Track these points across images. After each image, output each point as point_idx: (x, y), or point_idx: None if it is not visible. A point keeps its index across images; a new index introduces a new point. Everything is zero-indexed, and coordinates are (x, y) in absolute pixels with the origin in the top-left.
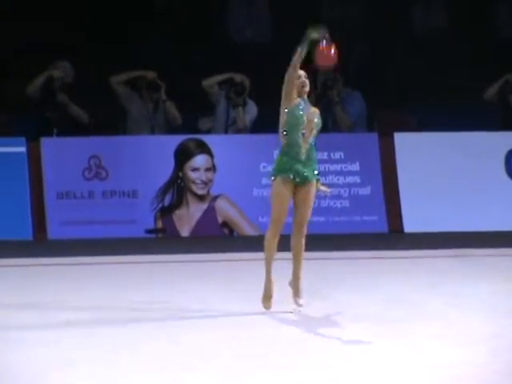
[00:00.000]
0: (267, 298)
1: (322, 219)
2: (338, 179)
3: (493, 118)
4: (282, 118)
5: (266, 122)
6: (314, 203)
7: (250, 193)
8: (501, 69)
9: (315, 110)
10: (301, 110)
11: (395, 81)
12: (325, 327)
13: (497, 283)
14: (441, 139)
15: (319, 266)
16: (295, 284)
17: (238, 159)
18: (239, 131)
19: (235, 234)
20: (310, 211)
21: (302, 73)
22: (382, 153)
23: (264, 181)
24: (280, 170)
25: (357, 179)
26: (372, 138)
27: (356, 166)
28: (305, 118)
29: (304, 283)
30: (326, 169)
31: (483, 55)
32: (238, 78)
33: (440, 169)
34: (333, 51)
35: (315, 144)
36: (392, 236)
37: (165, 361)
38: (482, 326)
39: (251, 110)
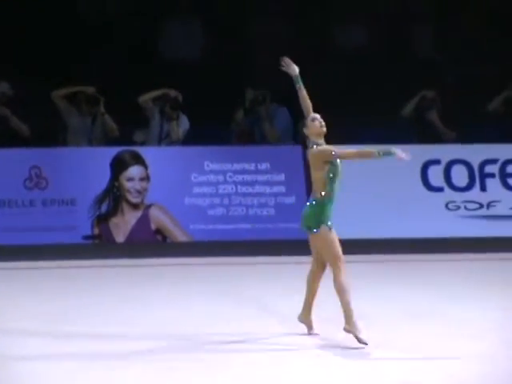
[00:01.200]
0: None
1: (248, 226)
2: (265, 189)
3: (410, 133)
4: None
5: (197, 135)
6: None
7: (182, 201)
8: (417, 86)
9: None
10: (337, 163)
11: (319, 96)
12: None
13: (417, 287)
14: None
15: (249, 271)
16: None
17: (171, 170)
18: (172, 143)
19: (168, 240)
20: None
21: (317, 116)
22: (306, 164)
23: (195, 190)
24: (326, 219)
25: (282, 189)
26: (297, 150)
27: (282, 177)
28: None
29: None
30: (254, 179)
31: (401, 73)
32: (173, 93)
33: (362, 179)
34: None
35: None
36: None
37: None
38: (401, 327)
39: (184, 124)
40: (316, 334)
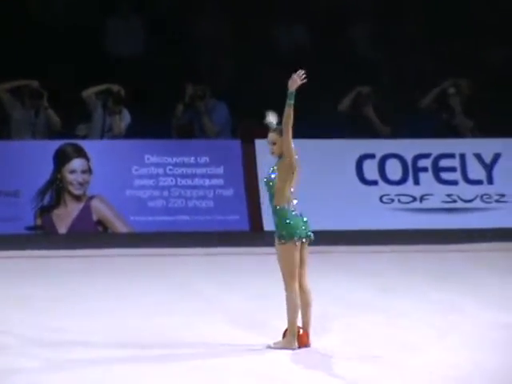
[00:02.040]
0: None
1: (187, 218)
2: (204, 181)
3: (346, 127)
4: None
5: (138, 129)
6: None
7: (123, 193)
8: (353, 82)
9: (274, 166)
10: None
11: (259, 93)
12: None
13: (347, 277)
14: (300, 145)
15: (188, 262)
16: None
17: (113, 163)
18: (114, 137)
19: (109, 231)
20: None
21: (271, 136)
22: (244, 158)
23: (136, 182)
24: (296, 232)
25: (221, 181)
26: (235, 144)
27: (220, 170)
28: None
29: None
30: (193, 172)
31: (339, 69)
32: (115, 88)
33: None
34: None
35: None
36: (253, 234)
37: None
38: (338, 318)
39: (126, 118)
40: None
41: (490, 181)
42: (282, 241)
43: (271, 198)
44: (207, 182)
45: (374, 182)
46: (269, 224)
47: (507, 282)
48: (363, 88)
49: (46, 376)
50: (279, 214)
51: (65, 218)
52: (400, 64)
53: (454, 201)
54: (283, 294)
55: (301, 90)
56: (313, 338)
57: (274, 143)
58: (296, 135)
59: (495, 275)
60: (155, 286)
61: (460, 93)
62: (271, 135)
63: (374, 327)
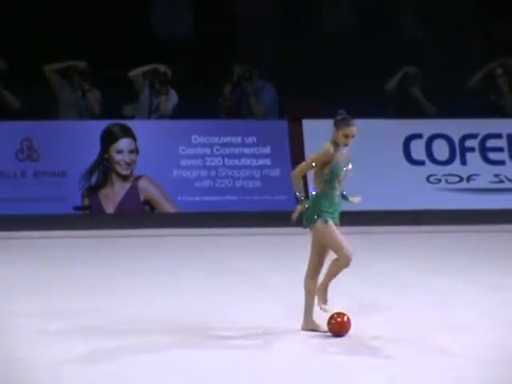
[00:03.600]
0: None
1: (234, 198)
2: (251, 162)
3: (393, 107)
4: (323, 170)
5: (186, 110)
6: None
7: (170, 174)
8: (400, 62)
9: (348, 157)
10: (343, 166)
11: (306, 73)
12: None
13: (396, 258)
14: None
15: (235, 242)
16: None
17: (160, 143)
18: (161, 117)
19: (156, 211)
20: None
21: (352, 129)
22: (292, 138)
23: (183, 162)
24: (326, 213)
25: (268, 162)
26: (282, 125)
27: (267, 150)
28: (344, 172)
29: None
30: (240, 152)
31: (386, 49)
32: (162, 68)
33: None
34: (345, 319)
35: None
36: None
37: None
38: (385, 298)
39: (173, 98)
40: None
41: None
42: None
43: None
44: (254, 162)
45: (421, 162)
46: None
47: None
48: (410, 68)
49: (100, 355)
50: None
51: (112, 198)
52: (447, 44)
53: (501, 181)
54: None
55: (348, 70)
56: (359, 319)
57: (353, 136)
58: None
59: None
60: (204, 265)
61: (507, 73)
62: (353, 129)
63: (421, 307)
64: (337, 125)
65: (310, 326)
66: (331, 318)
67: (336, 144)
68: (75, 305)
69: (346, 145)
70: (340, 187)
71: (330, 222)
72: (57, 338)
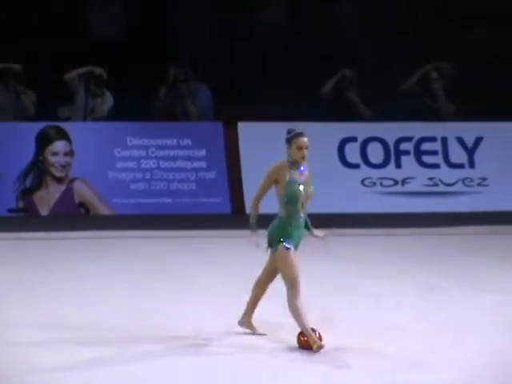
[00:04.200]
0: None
1: (169, 200)
2: (186, 164)
3: (328, 110)
4: (280, 191)
5: (121, 111)
6: None
7: (106, 176)
8: (337, 65)
9: (310, 176)
10: (298, 185)
11: (241, 76)
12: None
13: (332, 262)
14: (280, 128)
15: (170, 244)
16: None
17: (95, 145)
18: (97, 119)
19: (91, 213)
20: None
21: (304, 140)
22: (227, 140)
23: (118, 164)
24: (290, 239)
25: (203, 164)
26: (217, 127)
27: (203, 152)
28: (303, 192)
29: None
30: (176, 154)
31: (322, 52)
32: (98, 70)
33: (280, 155)
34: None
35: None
36: (234, 217)
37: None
38: (317, 299)
39: (108, 100)
40: (263, 334)
41: (472, 164)
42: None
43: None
44: (189, 164)
45: (356, 165)
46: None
47: (486, 264)
48: (347, 71)
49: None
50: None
51: (47, 200)
52: (383, 47)
53: (436, 184)
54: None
55: (285, 71)
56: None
57: (307, 148)
58: (278, 118)
59: (473, 257)
60: (137, 268)
61: (442, 76)
62: (305, 139)
63: (357, 311)
64: (289, 140)
65: (247, 325)
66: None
67: (292, 163)
68: (4, 307)
69: (302, 157)
70: (303, 210)
71: (292, 250)
72: None
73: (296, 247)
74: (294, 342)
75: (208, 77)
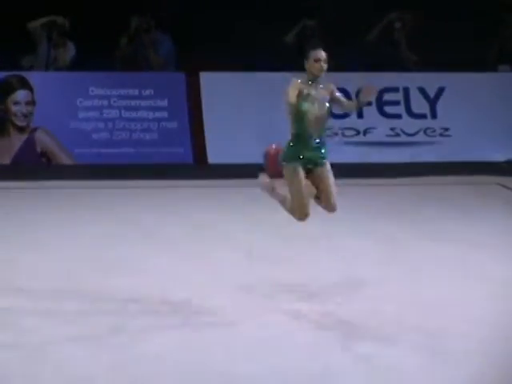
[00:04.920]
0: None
1: (131, 150)
2: (148, 114)
3: (291, 60)
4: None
5: (83, 61)
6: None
7: (67, 126)
8: (299, 14)
9: (326, 90)
10: (306, 103)
11: (203, 26)
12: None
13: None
14: (244, 78)
15: (132, 194)
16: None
17: (57, 95)
18: (59, 69)
19: (53, 163)
20: (332, 187)
21: (322, 53)
22: (189, 90)
23: (80, 114)
24: (290, 158)
25: (165, 114)
26: (179, 77)
27: (165, 102)
28: (315, 107)
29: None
30: (137, 104)
31: (283, 1)
32: (60, 20)
33: (243, 105)
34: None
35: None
36: (197, 166)
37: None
38: (280, 248)
39: (70, 50)
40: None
41: (434, 115)
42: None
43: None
44: (151, 114)
45: None
46: (213, 157)
47: (447, 214)
48: (309, 20)
49: None
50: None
51: (8, 149)
52: None
53: (398, 134)
54: (221, 225)
55: (247, 21)
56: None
57: (325, 61)
58: (240, 68)
59: (434, 208)
60: (98, 218)
61: (405, 26)
62: (322, 52)
63: (316, 261)
64: (307, 56)
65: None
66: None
67: (310, 76)
68: None
69: (320, 70)
70: (316, 130)
71: (295, 168)
72: None
73: (312, 167)
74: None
75: (170, 27)
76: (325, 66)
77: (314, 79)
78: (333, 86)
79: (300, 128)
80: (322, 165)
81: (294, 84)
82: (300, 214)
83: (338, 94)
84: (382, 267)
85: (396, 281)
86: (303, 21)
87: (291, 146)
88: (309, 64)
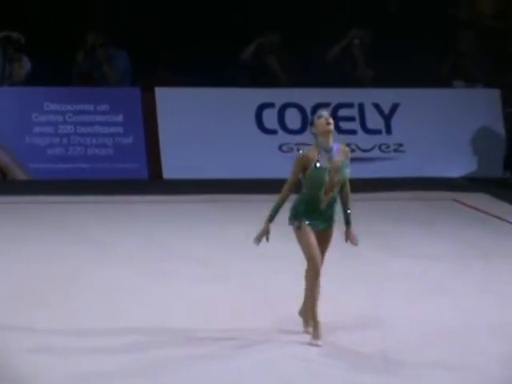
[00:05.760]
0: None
1: (86, 166)
2: (103, 129)
3: (246, 76)
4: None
5: (38, 77)
6: None
7: (23, 141)
8: (256, 31)
9: (342, 156)
10: (322, 169)
11: (159, 41)
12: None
13: (250, 225)
14: (198, 94)
15: (87, 209)
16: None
17: (12, 110)
18: (14, 84)
19: (8, 178)
20: (324, 254)
21: (324, 113)
22: (144, 105)
23: (35, 129)
24: (302, 217)
25: (120, 129)
26: (135, 92)
27: (120, 118)
28: (327, 177)
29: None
30: (93, 120)
31: (237, 19)
32: (15, 35)
33: (198, 121)
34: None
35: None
36: (152, 182)
37: None
38: (236, 265)
39: (26, 65)
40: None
41: (389, 130)
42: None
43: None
44: (107, 129)
45: (274, 131)
46: (168, 172)
47: (401, 229)
48: (269, 36)
49: None
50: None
51: None
52: (306, 12)
53: (353, 150)
54: (176, 239)
55: (202, 37)
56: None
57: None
58: (195, 83)
59: (388, 223)
60: (52, 233)
61: (362, 43)
62: (327, 114)
63: (275, 275)
64: (313, 121)
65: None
66: None
67: (319, 145)
68: None
69: (328, 131)
70: (328, 196)
71: (304, 227)
72: None
73: (321, 229)
74: None
75: (126, 43)
76: (331, 127)
77: (325, 144)
78: (348, 151)
79: (311, 193)
80: (328, 228)
81: (298, 161)
82: (316, 265)
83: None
84: (339, 280)
85: (356, 294)
86: (260, 37)
87: (302, 204)
88: (318, 127)
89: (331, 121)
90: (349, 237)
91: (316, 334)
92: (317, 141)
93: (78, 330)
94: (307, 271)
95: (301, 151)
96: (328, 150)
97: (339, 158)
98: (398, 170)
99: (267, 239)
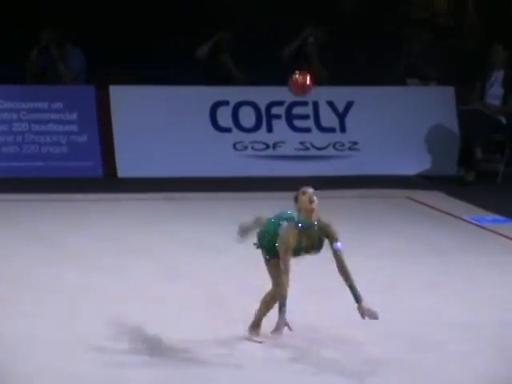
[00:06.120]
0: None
1: (41, 164)
2: (58, 127)
3: (201, 75)
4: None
5: None
6: None
7: None
8: (213, 28)
9: (322, 232)
10: (300, 248)
11: (115, 39)
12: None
13: (206, 223)
14: (152, 92)
15: (41, 207)
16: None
17: None
18: None
19: None
20: None
21: (309, 190)
22: (99, 104)
23: None
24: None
25: (75, 128)
26: (90, 91)
27: (74, 116)
28: (303, 252)
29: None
30: (47, 118)
31: (192, 17)
32: None
33: (153, 119)
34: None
35: None
36: (106, 180)
37: None
38: (189, 261)
39: None
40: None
41: (343, 129)
42: None
43: None
44: (61, 128)
45: (228, 129)
46: (123, 171)
47: (353, 228)
48: (224, 34)
49: None
50: None
51: None
52: (261, 11)
53: (307, 148)
54: (130, 237)
55: (159, 34)
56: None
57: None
58: (150, 81)
59: (342, 222)
60: (6, 232)
61: (317, 41)
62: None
63: (232, 274)
64: (298, 195)
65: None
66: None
67: (304, 218)
68: None
69: (311, 210)
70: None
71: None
72: None
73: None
74: None
75: (81, 40)
76: (314, 206)
77: (307, 221)
78: (329, 229)
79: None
80: None
81: (290, 231)
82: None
83: (337, 245)
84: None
85: (306, 294)
86: (217, 35)
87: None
88: (302, 203)
89: (315, 199)
90: (362, 313)
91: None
92: (298, 214)
93: (29, 328)
94: (269, 294)
95: (284, 224)
96: (309, 227)
97: (318, 235)
98: (352, 168)
99: (290, 328)
